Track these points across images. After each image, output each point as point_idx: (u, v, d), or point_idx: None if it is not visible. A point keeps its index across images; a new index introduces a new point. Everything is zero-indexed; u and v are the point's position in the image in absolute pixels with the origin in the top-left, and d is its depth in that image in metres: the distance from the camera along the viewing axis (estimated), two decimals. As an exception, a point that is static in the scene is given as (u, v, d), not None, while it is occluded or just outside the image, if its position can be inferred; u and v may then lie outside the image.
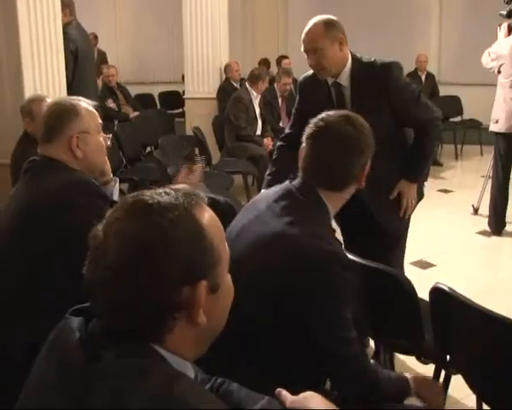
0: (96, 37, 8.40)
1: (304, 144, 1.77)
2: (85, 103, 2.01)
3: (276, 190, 1.78)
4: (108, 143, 2.07)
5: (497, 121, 4.92)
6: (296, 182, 1.75)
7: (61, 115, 1.95)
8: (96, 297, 0.93)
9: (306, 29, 2.66)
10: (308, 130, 1.78)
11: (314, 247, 1.56)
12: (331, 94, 2.75)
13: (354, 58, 2.71)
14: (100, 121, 2.03)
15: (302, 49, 2.68)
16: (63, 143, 1.93)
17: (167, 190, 0.97)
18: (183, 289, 0.92)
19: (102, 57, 8.70)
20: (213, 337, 1.05)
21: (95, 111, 2.02)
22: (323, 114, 1.80)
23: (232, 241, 1.63)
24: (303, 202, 1.68)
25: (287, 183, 1.78)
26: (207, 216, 0.99)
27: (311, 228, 1.61)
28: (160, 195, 0.96)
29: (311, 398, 1.31)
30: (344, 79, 2.70)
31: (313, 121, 1.78)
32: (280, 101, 6.94)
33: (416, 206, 2.91)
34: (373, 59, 2.72)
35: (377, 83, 2.63)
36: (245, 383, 1.42)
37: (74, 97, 2.06)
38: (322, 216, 1.70)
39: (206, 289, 0.95)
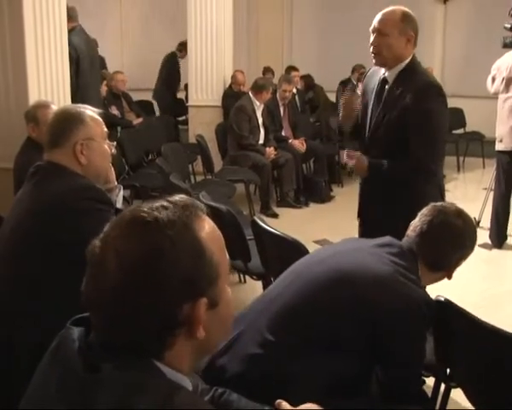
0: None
1: (422, 219, 1.97)
2: (91, 111, 2.04)
3: (381, 239, 1.99)
4: (113, 150, 2.09)
5: (501, 140, 4.93)
6: (405, 242, 1.97)
7: (67, 122, 1.99)
8: (95, 313, 0.93)
9: (385, 10, 2.65)
10: (427, 210, 1.99)
11: (412, 288, 1.79)
12: (377, 88, 2.75)
13: (413, 62, 2.68)
14: (105, 129, 2.06)
15: (371, 28, 2.65)
16: (68, 150, 1.96)
17: (165, 204, 0.95)
18: (182, 306, 0.91)
19: (101, 63, 8.70)
20: (212, 351, 1.04)
21: (100, 119, 2.05)
22: (444, 203, 2.08)
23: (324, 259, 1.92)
24: (405, 257, 1.89)
25: (390, 239, 1.98)
26: (207, 228, 0.97)
27: (409, 275, 1.83)
28: (157, 210, 0.93)
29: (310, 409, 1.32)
30: (391, 75, 2.69)
31: (434, 205, 2.01)
32: (282, 110, 6.81)
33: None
34: (426, 72, 2.73)
35: (413, 93, 2.59)
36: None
37: (80, 105, 2.09)
38: (417, 278, 1.89)
39: (206, 306, 0.93)
